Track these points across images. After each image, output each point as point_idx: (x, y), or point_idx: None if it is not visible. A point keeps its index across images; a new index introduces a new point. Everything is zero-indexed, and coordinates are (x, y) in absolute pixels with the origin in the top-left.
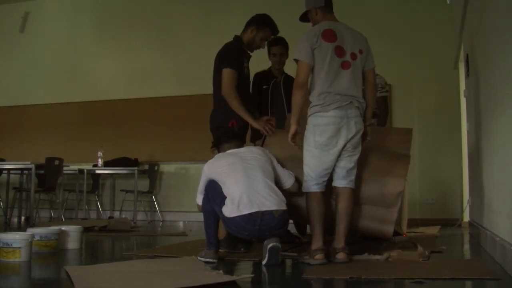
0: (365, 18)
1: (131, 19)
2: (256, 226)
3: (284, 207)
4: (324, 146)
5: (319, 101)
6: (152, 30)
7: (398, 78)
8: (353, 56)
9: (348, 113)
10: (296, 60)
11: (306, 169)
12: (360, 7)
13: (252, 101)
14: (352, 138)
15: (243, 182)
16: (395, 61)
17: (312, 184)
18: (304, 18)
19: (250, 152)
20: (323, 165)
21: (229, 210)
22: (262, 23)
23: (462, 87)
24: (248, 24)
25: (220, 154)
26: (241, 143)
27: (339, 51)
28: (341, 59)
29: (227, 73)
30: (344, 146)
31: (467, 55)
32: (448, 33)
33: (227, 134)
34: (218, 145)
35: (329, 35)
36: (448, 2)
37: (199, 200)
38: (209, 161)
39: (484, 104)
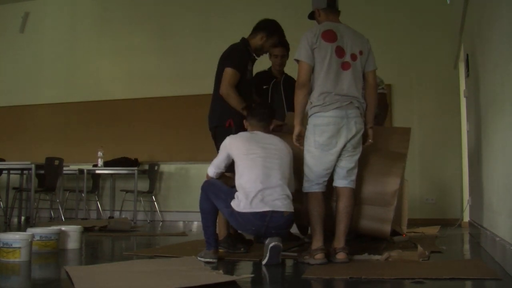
0: (365, 18)
1: (131, 19)
2: (264, 222)
3: (292, 209)
4: (324, 146)
5: (319, 101)
6: (152, 30)
7: (398, 78)
8: (353, 57)
9: (348, 113)
10: (297, 60)
11: (306, 169)
12: (360, 7)
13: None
14: (352, 138)
15: (260, 180)
16: (395, 61)
17: (313, 184)
18: (312, 17)
19: (275, 147)
20: (323, 165)
21: (241, 204)
22: (272, 32)
23: (462, 87)
24: (257, 30)
25: (245, 133)
26: (268, 126)
27: (339, 52)
28: (341, 60)
29: (228, 72)
30: (344, 146)
31: (467, 55)
32: (448, 33)
33: (264, 109)
34: (251, 113)
35: (329, 36)
36: (448, 2)
37: (211, 172)
38: (232, 136)
39: (484, 104)
